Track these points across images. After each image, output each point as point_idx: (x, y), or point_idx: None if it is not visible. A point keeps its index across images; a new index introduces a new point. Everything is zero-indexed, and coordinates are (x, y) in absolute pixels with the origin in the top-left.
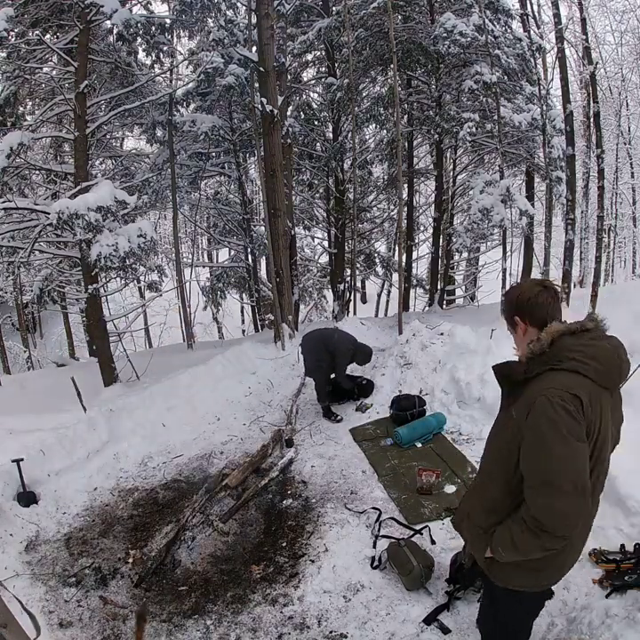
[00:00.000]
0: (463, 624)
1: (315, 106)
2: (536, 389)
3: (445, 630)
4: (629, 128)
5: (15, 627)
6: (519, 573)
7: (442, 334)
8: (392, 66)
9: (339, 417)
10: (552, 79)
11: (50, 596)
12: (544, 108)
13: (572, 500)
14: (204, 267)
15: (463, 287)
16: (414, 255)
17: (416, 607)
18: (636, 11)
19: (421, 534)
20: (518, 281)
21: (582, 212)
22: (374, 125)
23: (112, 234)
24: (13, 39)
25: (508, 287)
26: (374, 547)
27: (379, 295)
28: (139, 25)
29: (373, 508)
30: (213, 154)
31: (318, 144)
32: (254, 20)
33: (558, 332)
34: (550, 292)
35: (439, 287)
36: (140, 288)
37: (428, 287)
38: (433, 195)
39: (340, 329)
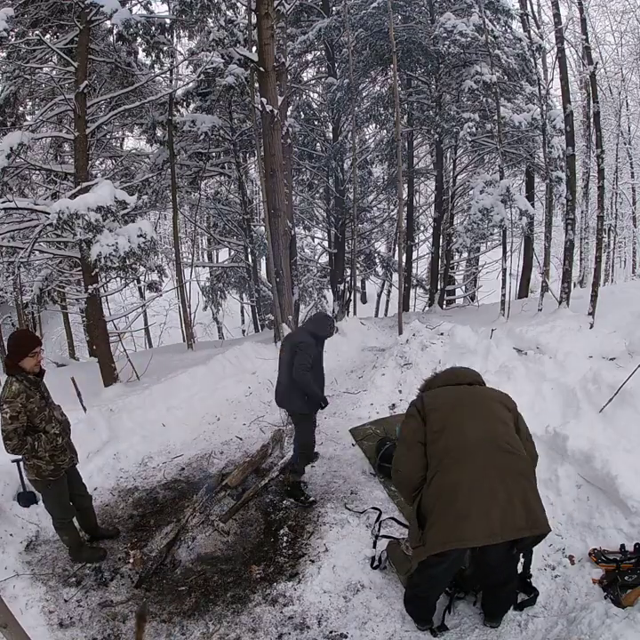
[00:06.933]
0: (463, 624)
1: (315, 106)
2: None
3: (445, 630)
4: (629, 128)
5: (15, 627)
6: None
7: (442, 334)
8: (392, 66)
9: (311, 498)
10: (552, 79)
11: (50, 596)
12: (544, 107)
13: None
14: (204, 267)
15: (463, 287)
16: (414, 255)
17: None
18: (636, 11)
19: None
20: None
21: (582, 212)
22: (374, 125)
23: (112, 234)
24: (13, 39)
25: (507, 287)
26: (374, 547)
27: (379, 295)
28: (139, 25)
29: (373, 508)
30: (213, 154)
31: (318, 144)
32: (254, 20)
33: None
34: None
35: (439, 287)
36: (140, 288)
37: (428, 287)
38: (433, 195)
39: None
